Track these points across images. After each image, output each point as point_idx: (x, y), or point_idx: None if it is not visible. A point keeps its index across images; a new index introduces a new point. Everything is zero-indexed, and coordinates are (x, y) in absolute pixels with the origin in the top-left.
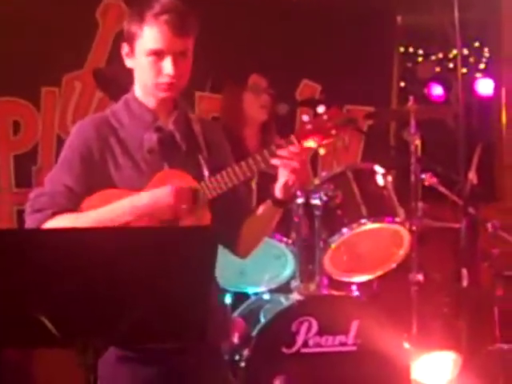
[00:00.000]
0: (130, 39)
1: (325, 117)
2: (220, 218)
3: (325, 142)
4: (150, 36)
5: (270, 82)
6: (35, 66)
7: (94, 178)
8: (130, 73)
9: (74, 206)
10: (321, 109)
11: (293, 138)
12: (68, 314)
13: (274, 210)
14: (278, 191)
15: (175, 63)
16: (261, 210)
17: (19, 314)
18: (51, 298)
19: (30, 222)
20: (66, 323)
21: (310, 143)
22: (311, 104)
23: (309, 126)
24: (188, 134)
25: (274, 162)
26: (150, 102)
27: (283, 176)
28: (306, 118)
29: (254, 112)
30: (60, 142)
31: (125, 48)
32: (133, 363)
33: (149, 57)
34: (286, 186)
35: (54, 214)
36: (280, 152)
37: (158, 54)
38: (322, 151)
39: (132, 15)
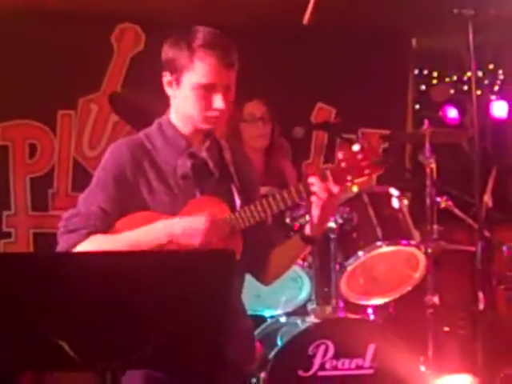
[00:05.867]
0: (177, 70)
1: (359, 155)
2: (248, 246)
3: (358, 180)
4: (201, 70)
5: (270, 108)
6: (51, 89)
7: (127, 201)
8: (145, 97)
9: (107, 228)
10: (356, 147)
11: (327, 173)
12: (87, 338)
13: (302, 246)
14: (309, 228)
15: (225, 97)
16: (289, 243)
17: (38, 338)
18: (71, 322)
19: (63, 243)
20: (85, 347)
21: (344, 181)
22: (326, 127)
23: (343, 164)
24: (220, 162)
25: (312, 198)
26: (186, 129)
27: (316, 210)
28: (340, 155)
29: (251, 140)
30: (76, 165)
31: (167, 76)
32: None
33: (197, 90)
34: (319, 220)
35: (88, 235)
36: (313, 188)
37: (208, 88)
38: (355, 189)
39: (176, 45)
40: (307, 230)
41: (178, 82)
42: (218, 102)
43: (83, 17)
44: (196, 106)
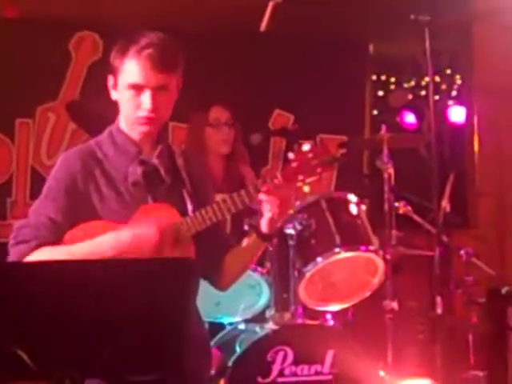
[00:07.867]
0: (114, 72)
1: (310, 155)
2: (202, 251)
3: (309, 179)
4: (130, 70)
5: (232, 114)
6: (9, 97)
7: (78, 210)
8: (104, 105)
9: (57, 238)
10: (306, 146)
11: (277, 174)
12: (45, 347)
13: (259, 244)
14: (263, 226)
15: (154, 98)
16: (245, 243)
17: None
18: (29, 331)
19: (13, 254)
20: (43, 356)
21: (295, 181)
22: (284, 134)
23: (294, 164)
24: (172, 167)
25: (261, 197)
26: (134, 134)
27: (268, 211)
28: (291, 155)
29: (216, 145)
30: (34, 174)
31: (110, 80)
32: None
33: (129, 90)
34: (271, 220)
35: (37, 246)
36: (264, 188)
37: (138, 88)
38: (306, 189)
39: (117, 48)
40: (263, 227)
41: (115, 83)
42: (146, 101)
43: (41, 24)
44: (127, 106)
